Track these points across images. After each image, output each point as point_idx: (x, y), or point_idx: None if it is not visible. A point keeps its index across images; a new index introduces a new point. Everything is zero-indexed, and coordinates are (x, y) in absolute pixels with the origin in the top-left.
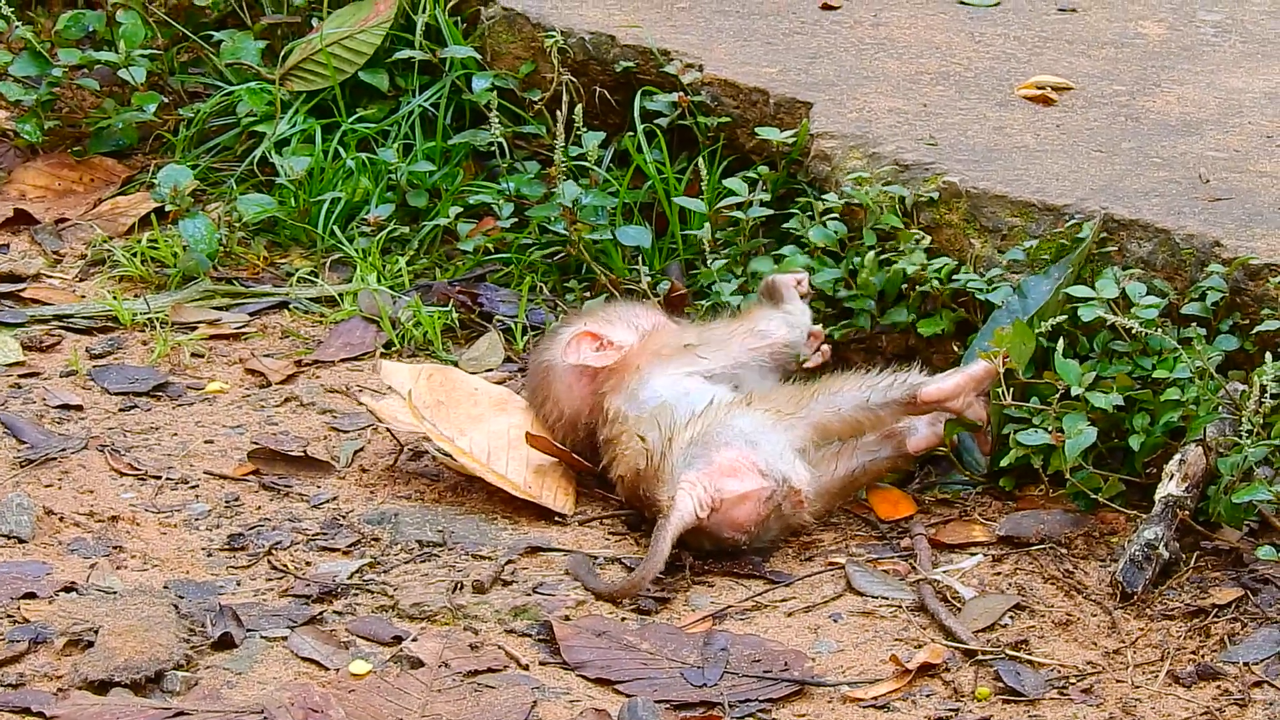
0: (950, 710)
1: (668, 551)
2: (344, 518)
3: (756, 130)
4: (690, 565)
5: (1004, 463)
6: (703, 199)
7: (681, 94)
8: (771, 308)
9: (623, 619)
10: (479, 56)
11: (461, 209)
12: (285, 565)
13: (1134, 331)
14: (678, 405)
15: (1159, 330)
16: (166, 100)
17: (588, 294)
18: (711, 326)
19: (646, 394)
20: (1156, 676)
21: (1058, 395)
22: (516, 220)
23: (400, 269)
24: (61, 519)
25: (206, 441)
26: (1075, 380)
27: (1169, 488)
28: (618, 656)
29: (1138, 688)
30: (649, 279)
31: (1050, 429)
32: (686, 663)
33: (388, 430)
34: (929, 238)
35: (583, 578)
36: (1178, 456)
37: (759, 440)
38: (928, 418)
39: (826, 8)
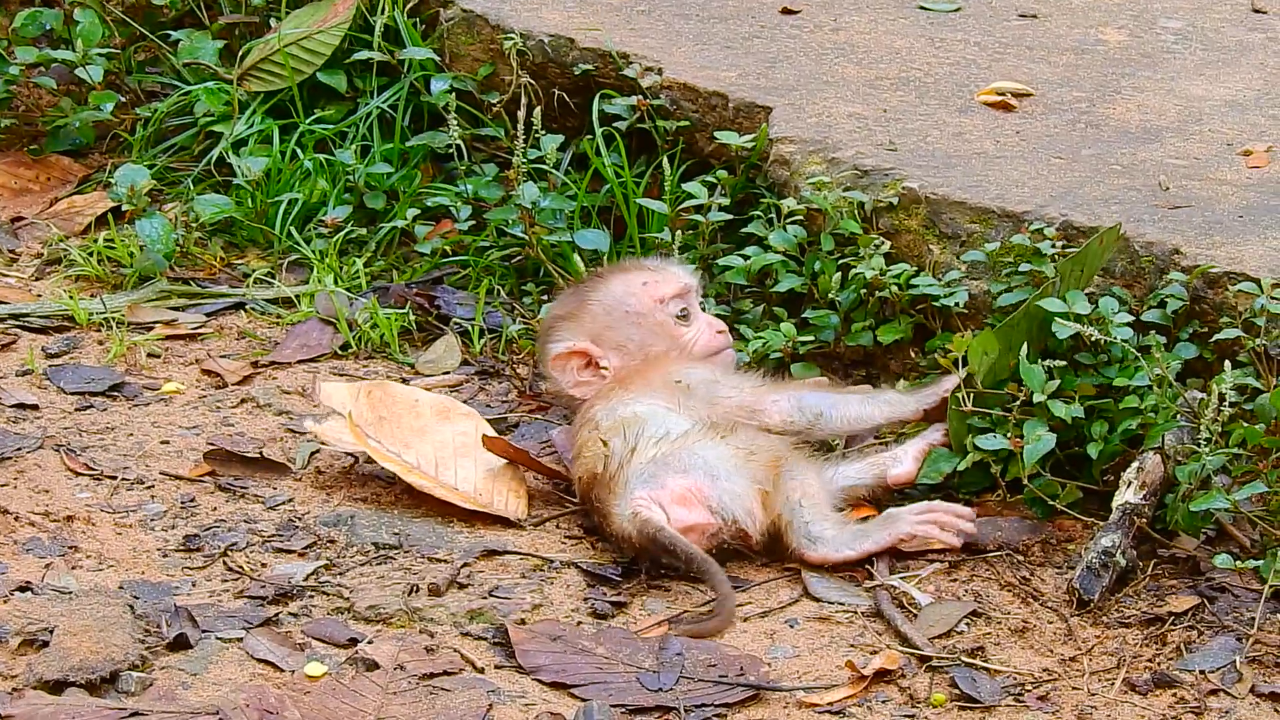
0: (906, 716)
1: (709, 559)
2: (300, 519)
3: (716, 134)
4: (646, 569)
5: (961, 467)
6: (664, 200)
7: (641, 97)
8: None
9: (579, 623)
10: (437, 58)
11: (419, 211)
12: (241, 566)
13: (1096, 341)
14: (650, 422)
15: (1121, 339)
16: (124, 99)
17: (545, 297)
18: (719, 381)
19: (625, 412)
20: (1113, 684)
21: (1018, 402)
22: (474, 223)
23: (357, 271)
24: (17, 518)
25: (162, 442)
26: (1038, 386)
27: (1127, 495)
28: (573, 661)
29: (1094, 695)
30: None
31: (1009, 435)
32: (642, 667)
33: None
34: (888, 243)
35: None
36: (1136, 464)
37: (721, 475)
38: (914, 450)
39: (786, 12)
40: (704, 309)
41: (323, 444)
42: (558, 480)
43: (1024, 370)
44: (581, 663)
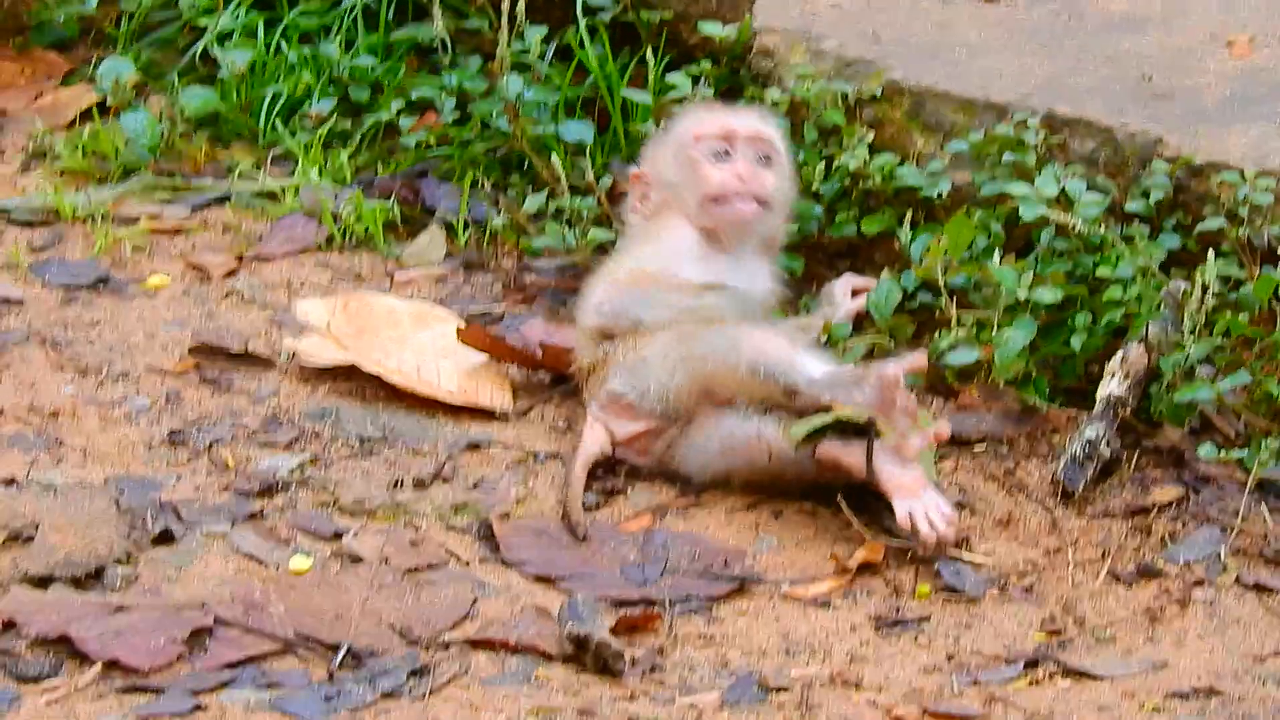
0: (891, 608)
1: (581, 484)
2: (285, 413)
3: (699, 25)
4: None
5: (949, 378)
6: (648, 91)
7: None
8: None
9: (563, 516)
10: None
11: (404, 104)
12: (226, 460)
13: (1075, 229)
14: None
15: (1101, 228)
16: None
17: (530, 189)
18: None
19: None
20: (1097, 575)
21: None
22: (459, 115)
23: (342, 164)
24: (1, 413)
25: (147, 336)
26: (1014, 284)
27: (1110, 386)
28: (557, 555)
29: (1078, 586)
30: (592, 174)
31: (981, 342)
32: (626, 560)
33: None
34: (872, 134)
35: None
36: (1119, 355)
37: (652, 378)
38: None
39: None
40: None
41: (304, 362)
42: (539, 370)
43: (996, 271)
44: (565, 557)
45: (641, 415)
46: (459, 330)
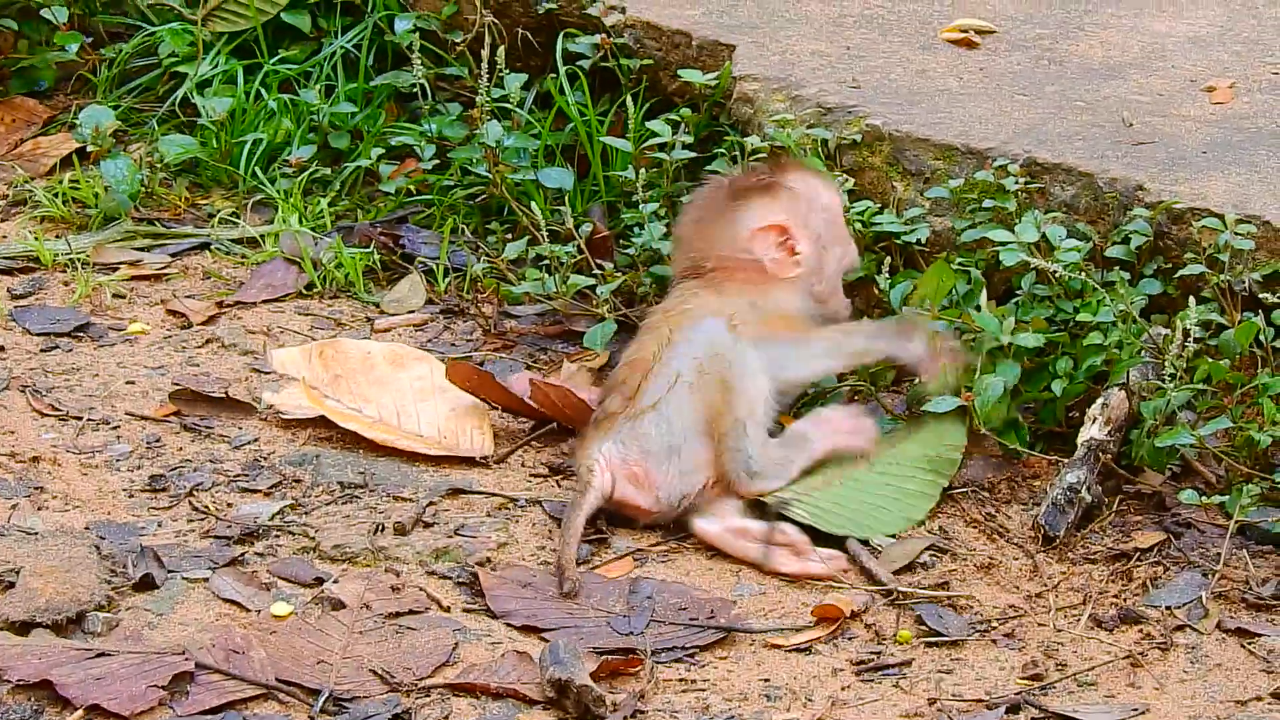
0: (873, 653)
1: (578, 538)
2: (265, 459)
3: (679, 73)
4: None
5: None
6: (628, 138)
7: (604, 36)
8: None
9: (543, 563)
10: None
11: (383, 150)
12: (206, 506)
13: (1056, 275)
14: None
15: (1082, 274)
16: (88, 40)
17: (509, 235)
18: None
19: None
20: (1079, 620)
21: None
22: (438, 162)
23: (322, 210)
24: None
25: (128, 382)
26: (995, 330)
27: (1091, 431)
28: (543, 607)
29: (1060, 631)
30: (571, 221)
31: (962, 388)
32: (613, 611)
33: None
34: (851, 180)
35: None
36: (1100, 400)
37: (682, 451)
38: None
39: None
40: None
41: (281, 415)
42: (520, 414)
43: (978, 318)
44: (551, 609)
45: (649, 486)
46: (447, 368)
